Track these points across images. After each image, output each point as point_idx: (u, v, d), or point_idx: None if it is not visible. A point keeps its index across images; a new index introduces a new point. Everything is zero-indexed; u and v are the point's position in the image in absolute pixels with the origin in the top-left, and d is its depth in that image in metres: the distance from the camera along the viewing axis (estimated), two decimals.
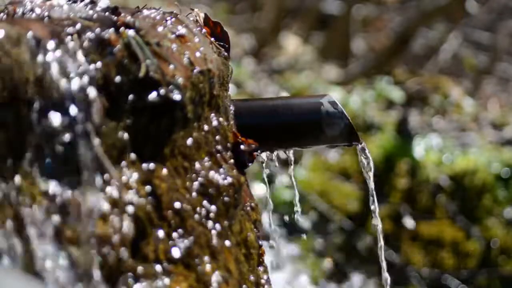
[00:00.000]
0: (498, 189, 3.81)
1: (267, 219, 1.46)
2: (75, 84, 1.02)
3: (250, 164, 1.28)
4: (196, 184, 1.17)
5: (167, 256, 1.10)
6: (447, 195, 3.82)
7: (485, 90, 6.57)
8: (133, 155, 1.10)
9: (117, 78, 1.08)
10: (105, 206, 1.04)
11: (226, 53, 1.30)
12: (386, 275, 1.42)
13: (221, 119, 1.25)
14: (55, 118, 1.00)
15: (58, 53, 1.02)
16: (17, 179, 0.97)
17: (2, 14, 1.19)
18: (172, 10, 1.26)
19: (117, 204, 1.05)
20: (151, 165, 1.12)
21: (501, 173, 3.84)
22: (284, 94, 4.56)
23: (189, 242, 1.13)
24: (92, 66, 1.05)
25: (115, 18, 1.12)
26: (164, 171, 1.13)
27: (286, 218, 3.46)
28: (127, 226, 1.06)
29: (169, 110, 1.13)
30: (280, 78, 5.13)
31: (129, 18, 1.13)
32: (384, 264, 1.41)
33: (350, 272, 3.56)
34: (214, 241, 1.17)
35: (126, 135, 1.09)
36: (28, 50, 0.99)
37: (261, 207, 1.36)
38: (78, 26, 1.07)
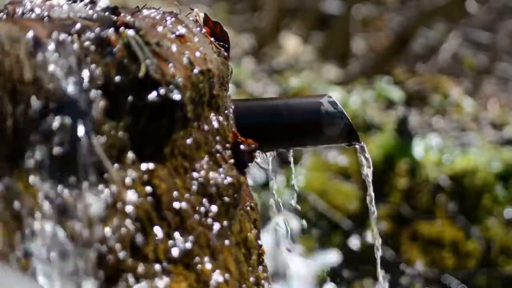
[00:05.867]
0: (498, 189, 3.81)
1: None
2: (75, 84, 1.02)
3: (250, 164, 1.28)
4: (196, 184, 1.17)
5: (167, 256, 1.10)
6: (447, 195, 3.82)
7: (485, 90, 6.57)
8: (133, 155, 1.10)
9: (117, 78, 1.08)
10: (105, 206, 1.04)
11: (226, 53, 1.30)
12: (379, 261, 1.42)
13: (221, 119, 1.25)
14: (55, 118, 1.00)
15: (58, 53, 1.02)
16: (17, 179, 0.97)
17: (2, 14, 1.19)
18: (172, 10, 1.26)
19: (116, 204, 1.05)
20: (151, 165, 1.12)
21: (501, 173, 3.84)
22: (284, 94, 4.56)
23: (189, 242, 1.13)
24: (92, 66, 1.05)
25: (115, 18, 1.12)
26: (164, 171, 1.13)
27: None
28: (127, 226, 1.06)
29: (169, 110, 1.13)
30: (280, 78, 5.13)
31: (129, 18, 1.13)
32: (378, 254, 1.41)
33: (348, 271, 3.56)
34: (214, 241, 1.17)
35: (126, 135, 1.09)
36: (27, 50, 0.99)
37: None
38: (78, 26, 1.07)
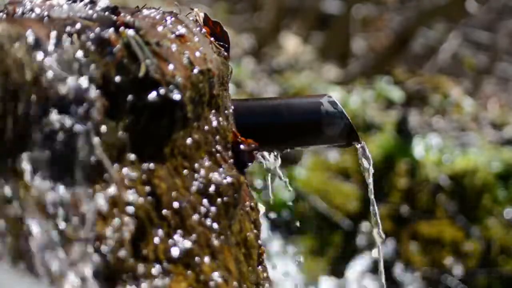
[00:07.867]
0: (498, 189, 3.81)
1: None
2: (75, 83, 1.02)
3: (250, 164, 1.28)
4: (195, 184, 1.17)
5: (167, 256, 1.10)
6: (447, 195, 3.82)
7: (485, 90, 6.57)
8: (133, 155, 1.10)
9: (117, 78, 1.08)
10: (105, 206, 1.04)
11: (226, 53, 1.30)
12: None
13: (221, 119, 1.25)
14: (55, 118, 1.00)
15: (58, 52, 1.02)
16: (17, 179, 0.97)
17: (2, 13, 1.19)
18: (172, 10, 1.27)
19: (116, 204, 1.05)
20: (151, 165, 1.12)
21: (501, 173, 3.84)
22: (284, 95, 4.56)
23: (189, 242, 1.14)
24: (92, 66, 1.05)
25: (114, 17, 1.12)
26: (164, 171, 1.13)
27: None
28: (127, 226, 1.06)
29: (169, 110, 1.13)
30: (280, 78, 5.13)
31: (128, 18, 1.13)
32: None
33: (349, 271, 3.56)
34: (214, 241, 1.17)
35: (126, 135, 1.09)
36: (27, 49, 0.99)
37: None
38: (78, 25, 1.07)
